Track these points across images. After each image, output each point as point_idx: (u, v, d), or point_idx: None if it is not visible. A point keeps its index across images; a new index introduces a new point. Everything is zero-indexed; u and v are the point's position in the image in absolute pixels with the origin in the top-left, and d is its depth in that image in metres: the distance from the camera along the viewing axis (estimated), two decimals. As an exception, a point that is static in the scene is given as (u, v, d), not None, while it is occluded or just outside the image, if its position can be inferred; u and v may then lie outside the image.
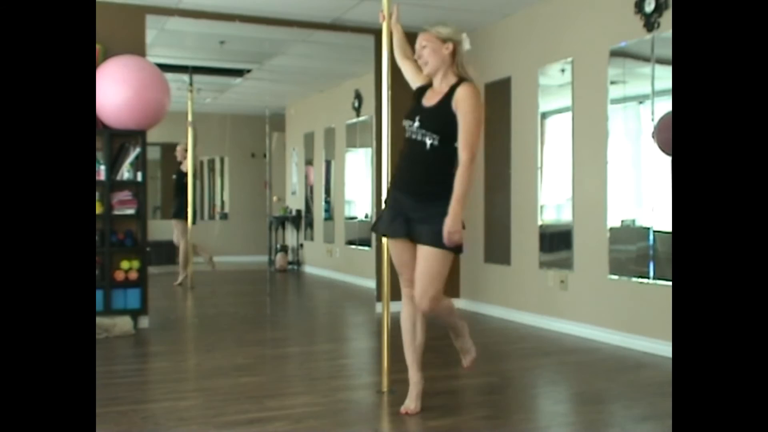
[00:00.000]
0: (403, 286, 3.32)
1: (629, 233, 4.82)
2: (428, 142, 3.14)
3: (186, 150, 7.73)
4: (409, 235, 3.18)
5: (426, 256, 3.13)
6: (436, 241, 3.08)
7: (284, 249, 9.58)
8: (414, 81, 3.45)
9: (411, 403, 3.26)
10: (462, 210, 3.06)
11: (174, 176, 7.78)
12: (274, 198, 9.24)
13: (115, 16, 5.42)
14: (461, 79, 3.17)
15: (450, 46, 3.20)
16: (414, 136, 3.18)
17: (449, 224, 3.04)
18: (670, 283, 4.40)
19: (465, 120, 3.09)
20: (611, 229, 4.96)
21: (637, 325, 4.71)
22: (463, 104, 3.10)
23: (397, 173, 3.29)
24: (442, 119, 3.14)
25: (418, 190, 3.16)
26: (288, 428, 3.05)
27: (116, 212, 5.36)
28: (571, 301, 5.34)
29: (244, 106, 9.14)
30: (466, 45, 3.26)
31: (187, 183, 7.75)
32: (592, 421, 3.25)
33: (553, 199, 5.64)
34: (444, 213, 3.05)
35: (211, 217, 9.10)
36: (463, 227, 3.11)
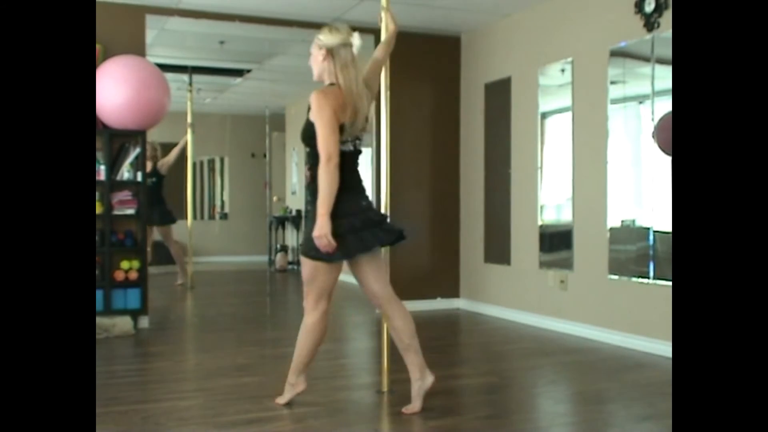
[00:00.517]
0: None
1: (629, 233, 4.82)
2: (306, 151, 3.22)
3: (156, 149, 7.61)
4: None
5: None
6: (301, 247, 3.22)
7: (284, 249, 9.58)
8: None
9: (412, 402, 3.28)
10: (326, 212, 3.01)
11: (153, 179, 7.43)
12: (274, 198, 9.24)
13: (115, 16, 5.42)
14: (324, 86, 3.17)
15: (324, 52, 3.16)
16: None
17: (314, 229, 3.05)
18: (670, 283, 4.40)
19: (315, 125, 3.07)
20: (611, 229, 4.96)
21: (637, 325, 4.71)
22: (311, 111, 3.09)
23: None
24: (303, 129, 3.17)
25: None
26: (288, 428, 3.05)
27: (116, 212, 5.36)
28: (571, 301, 5.34)
29: (244, 106, 9.13)
30: (356, 42, 3.22)
31: (163, 186, 7.64)
32: (592, 421, 3.25)
33: (553, 199, 5.64)
34: (314, 219, 3.07)
35: (211, 217, 9.10)
36: (343, 230, 3.08)
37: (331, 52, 3.15)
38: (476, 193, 6.46)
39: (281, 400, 3.40)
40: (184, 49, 6.93)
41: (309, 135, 3.12)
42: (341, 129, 3.09)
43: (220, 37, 6.47)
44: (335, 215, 3.06)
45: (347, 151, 3.16)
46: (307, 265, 3.21)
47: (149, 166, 7.50)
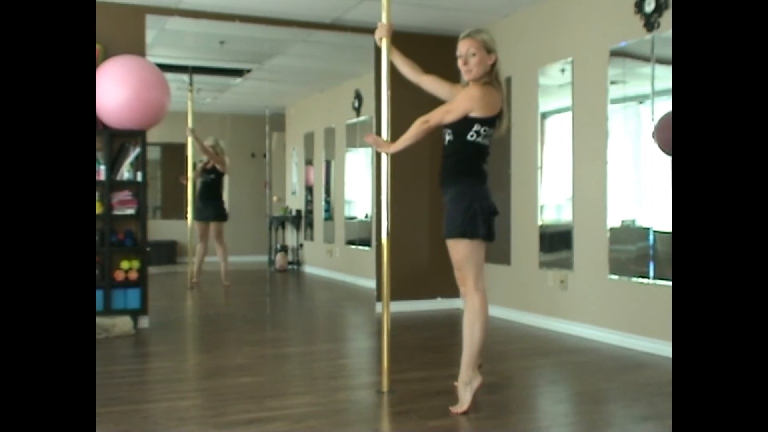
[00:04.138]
0: (481, 285, 3.37)
1: (629, 233, 4.81)
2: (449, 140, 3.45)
3: (219, 146, 7.84)
4: None
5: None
6: None
7: (284, 249, 9.58)
8: (446, 92, 3.60)
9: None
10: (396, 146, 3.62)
11: (212, 176, 7.79)
12: (274, 198, 9.24)
13: (115, 16, 5.42)
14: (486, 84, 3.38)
15: (493, 57, 3.36)
16: (487, 141, 3.39)
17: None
18: (670, 283, 4.40)
19: (456, 105, 3.39)
20: (611, 229, 4.96)
21: (637, 325, 4.71)
22: (465, 94, 3.36)
23: (483, 175, 3.40)
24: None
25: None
26: (288, 428, 3.05)
27: (116, 212, 5.36)
28: (571, 301, 5.34)
29: (244, 106, 9.14)
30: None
31: (221, 184, 7.86)
32: (592, 421, 3.25)
33: (553, 199, 5.64)
34: (453, 203, 3.43)
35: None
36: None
37: (497, 60, 3.37)
38: (476, 193, 6.46)
39: (461, 407, 3.25)
40: (184, 49, 6.93)
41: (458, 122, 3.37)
42: (491, 122, 3.33)
43: (220, 37, 6.47)
44: (471, 198, 3.31)
45: (486, 144, 3.38)
46: (460, 247, 3.33)
47: (210, 163, 7.73)
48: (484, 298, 3.34)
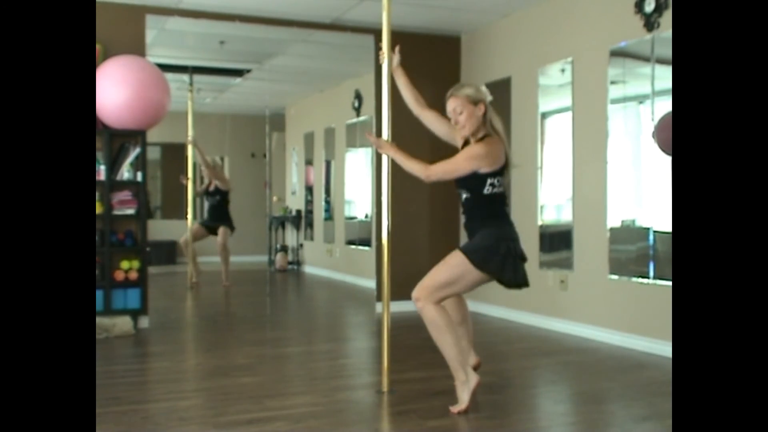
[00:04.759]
0: (440, 304, 3.39)
1: (629, 233, 4.81)
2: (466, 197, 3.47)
3: (217, 165, 7.89)
4: None
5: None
6: None
7: (284, 249, 9.58)
8: (445, 131, 3.61)
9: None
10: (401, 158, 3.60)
11: (217, 197, 7.83)
12: (274, 198, 9.24)
13: (115, 16, 5.42)
14: (485, 136, 3.38)
15: (482, 107, 3.37)
16: (502, 188, 3.42)
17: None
18: (670, 283, 4.40)
19: (465, 162, 3.36)
20: (611, 229, 4.96)
21: (637, 325, 4.71)
22: (473, 151, 3.34)
23: (507, 217, 3.48)
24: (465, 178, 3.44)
25: None
26: (288, 428, 3.05)
27: (116, 212, 5.36)
28: (571, 301, 5.34)
29: (244, 106, 9.14)
30: (489, 97, 3.42)
31: (229, 202, 7.91)
32: (592, 421, 3.25)
33: (553, 199, 5.64)
34: (484, 235, 3.42)
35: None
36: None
37: (486, 107, 3.38)
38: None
39: (460, 406, 3.27)
40: (184, 49, 6.93)
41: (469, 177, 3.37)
42: (501, 172, 3.37)
43: (220, 37, 6.47)
44: (500, 237, 3.32)
45: (502, 191, 3.42)
46: (461, 267, 3.32)
47: (212, 184, 7.74)
48: (439, 308, 3.33)
